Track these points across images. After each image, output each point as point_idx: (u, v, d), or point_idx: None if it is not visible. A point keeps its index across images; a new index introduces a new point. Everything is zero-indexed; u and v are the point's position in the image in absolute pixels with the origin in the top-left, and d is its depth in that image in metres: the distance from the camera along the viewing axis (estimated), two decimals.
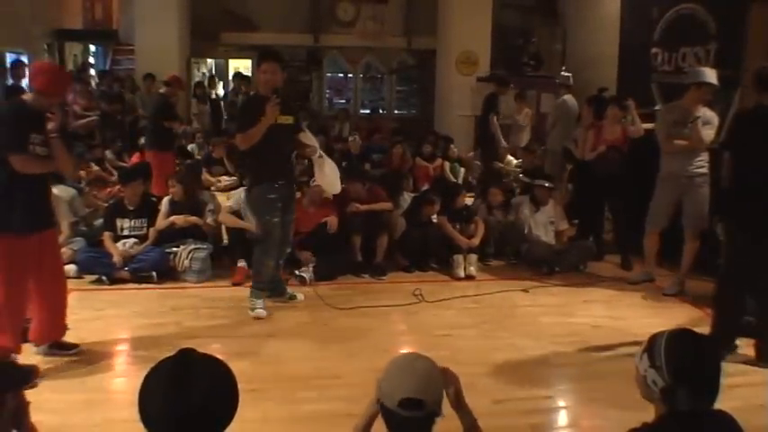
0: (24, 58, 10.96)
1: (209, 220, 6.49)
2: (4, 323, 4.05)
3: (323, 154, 5.57)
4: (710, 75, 5.56)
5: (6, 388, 2.10)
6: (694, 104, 5.62)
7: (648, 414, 2.05)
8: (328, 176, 5.57)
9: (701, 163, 5.69)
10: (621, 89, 8.01)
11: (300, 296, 5.62)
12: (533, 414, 3.81)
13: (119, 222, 6.16)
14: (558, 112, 8.11)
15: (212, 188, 9.35)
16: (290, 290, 5.63)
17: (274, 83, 5.11)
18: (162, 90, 8.97)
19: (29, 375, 2.33)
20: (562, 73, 8.69)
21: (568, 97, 8.14)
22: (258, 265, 5.34)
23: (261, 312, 5.22)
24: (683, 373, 1.95)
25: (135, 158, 9.93)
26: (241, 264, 6.11)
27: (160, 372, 1.76)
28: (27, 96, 4.15)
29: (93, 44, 16.65)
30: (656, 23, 7.37)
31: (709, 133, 5.59)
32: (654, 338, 2.05)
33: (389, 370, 2.09)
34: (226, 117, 14.00)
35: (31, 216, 4.05)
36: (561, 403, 4.08)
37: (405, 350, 4.81)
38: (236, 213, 6.36)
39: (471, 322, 5.21)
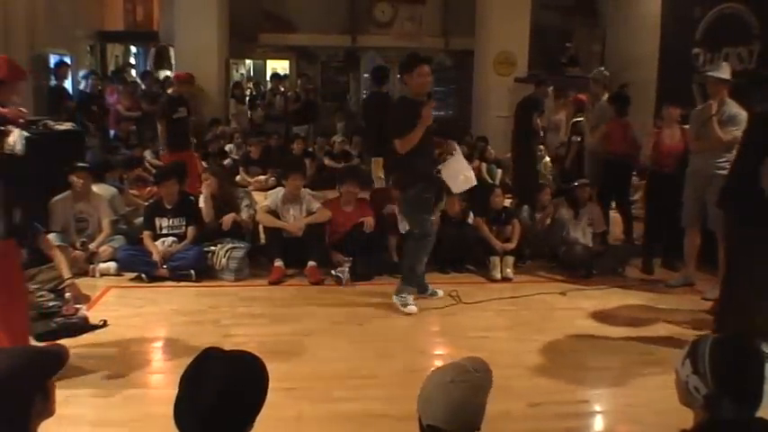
0: (67, 60, 11.19)
1: (245, 215, 6.57)
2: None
3: (459, 152, 5.63)
4: (715, 67, 5.58)
5: (45, 376, 2.15)
6: (712, 99, 5.61)
7: (687, 421, 2.01)
8: (455, 176, 5.56)
9: (723, 163, 5.53)
10: (662, 90, 7.88)
11: (440, 292, 5.68)
12: (569, 418, 3.77)
13: (158, 221, 6.26)
14: (600, 115, 7.92)
15: (249, 187, 9.45)
16: (431, 287, 5.71)
17: (428, 85, 5.28)
18: (170, 90, 9.07)
19: (61, 358, 2.36)
20: (601, 69, 8.48)
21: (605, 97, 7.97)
22: (412, 263, 5.41)
23: (413, 309, 5.30)
24: (728, 380, 1.91)
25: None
26: (278, 263, 6.16)
27: (184, 372, 1.86)
28: None
29: (134, 45, 16.94)
30: (698, 23, 7.23)
31: (730, 130, 5.47)
32: (697, 344, 2.01)
33: (427, 386, 2.04)
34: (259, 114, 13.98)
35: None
36: (597, 408, 4.03)
37: (439, 351, 4.82)
38: (274, 213, 6.41)
39: (507, 324, 5.17)
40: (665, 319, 5.32)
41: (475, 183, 5.80)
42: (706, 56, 7.17)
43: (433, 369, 2.14)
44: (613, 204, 7.71)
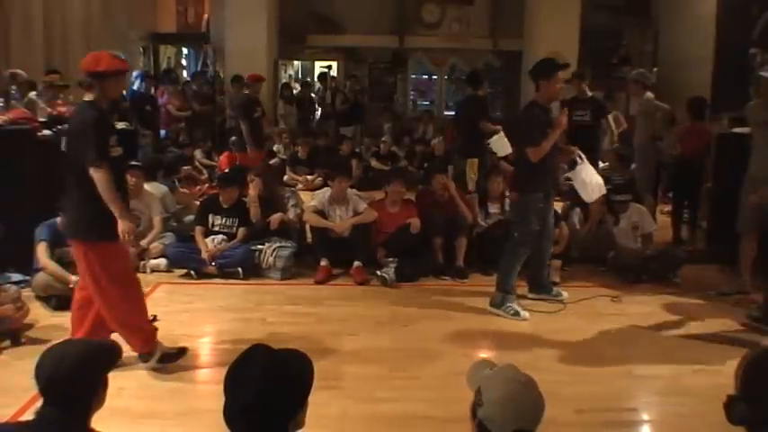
0: None
1: (292, 215, 6.62)
2: (133, 323, 4.08)
3: (584, 159, 5.51)
4: None
5: (106, 366, 2.27)
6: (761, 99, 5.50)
7: None
8: (586, 183, 5.52)
9: None
10: (717, 91, 7.70)
11: (565, 294, 5.65)
12: (616, 426, 3.70)
13: (211, 218, 6.36)
14: (647, 112, 7.79)
15: (297, 186, 9.54)
16: (555, 288, 5.73)
17: (561, 92, 5.27)
18: (246, 91, 9.63)
19: (117, 352, 2.50)
20: (641, 71, 8.32)
21: (650, 95, 7.84)
22: (508, 270, 5.31)
23: (526, 314, 5.23)
24: (752, 387, 1.87)
25: (223, 157, 10.31)
26: (324, 263, 6.19)
27: (229, 368, 1.93)
28: (91, 97, 3.92)
29: (185, 47, 17.23)
30: (756, 22, 7.04)
31: None
32: (750, 351, 1.98)
33: (496, 399, 1.91)
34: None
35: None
36: (645, 417, 3.95)
37: (484, 355, 4.78)
38: (321, 213, 6.45)
39: (554, 329, 5.09)
40: (717, 327, 5.16)
41: (605, 191, 5.73)
42: (764, 56, 6.98)
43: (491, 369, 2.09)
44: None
